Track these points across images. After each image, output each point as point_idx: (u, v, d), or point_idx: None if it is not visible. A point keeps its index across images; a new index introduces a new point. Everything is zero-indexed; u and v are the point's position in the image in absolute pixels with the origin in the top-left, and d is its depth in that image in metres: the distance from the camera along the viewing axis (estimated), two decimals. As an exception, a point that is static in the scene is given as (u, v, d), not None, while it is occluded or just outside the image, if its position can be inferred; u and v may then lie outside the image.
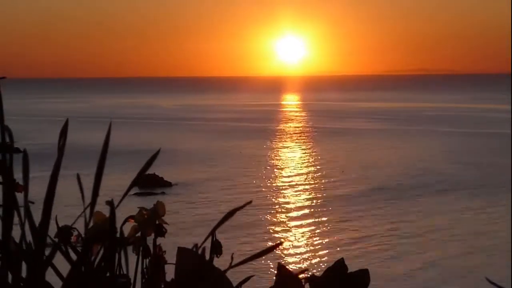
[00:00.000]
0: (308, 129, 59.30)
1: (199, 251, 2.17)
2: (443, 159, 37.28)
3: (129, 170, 29.04)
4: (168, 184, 29.16)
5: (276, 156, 40.49)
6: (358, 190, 28.28)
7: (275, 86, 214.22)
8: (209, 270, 2.25)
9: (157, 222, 2.24)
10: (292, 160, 38.77)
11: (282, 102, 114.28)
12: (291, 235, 21.43)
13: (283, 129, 59.26)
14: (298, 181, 31.04)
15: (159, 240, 2.25)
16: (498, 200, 25.90)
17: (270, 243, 19.99)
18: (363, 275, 2.79)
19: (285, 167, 35.66)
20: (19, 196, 2.02)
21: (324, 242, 20.46)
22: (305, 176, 32.47)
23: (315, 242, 20.52)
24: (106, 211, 2.08)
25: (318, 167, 35.33)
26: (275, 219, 23.40)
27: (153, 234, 2.24)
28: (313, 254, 19.37)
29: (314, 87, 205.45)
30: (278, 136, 52.54)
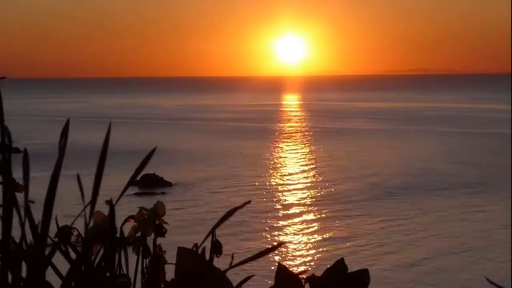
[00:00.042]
0: (308, 129, 59.29)
1: (199, 251, 2.17)
2: (443, 159, 37.27)
3: (129, 170, 28.88)
4: (168, 184, 29.16)
5: (276, 156, 40.49)
6: (358, 189, 28.27)
7: (275, 86, 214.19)
8: (209, 270, 2.25)
9: (157, 222, 2.24)
10: (292, 160, 38.76)
11: (282, 102, 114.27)
12: (290, 235, 21.42)
13: (283, 129, 59.25)
14: (298, 181, 31.04)
15: (159, 240, 2.25)
16: (498, 200, 25.90)
17: (269, 243, 20.00)
18: (363, 275, 2.79)
19: (285, 167, 35.67)
20: (19, 196, 2.03)
21: (324, 242, 20.44)
22: (305, 176, 32.47)
23: (315, 242, 20.51)
24: (106, 211, 2.08)
25: (318, 166, 35.33)
26: (275, 219, 23.39)
27: (153, 234, 2.24)
28: (313, 254, 19.36)
29: (314, 87, 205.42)
30: (278, 136, 52.53)
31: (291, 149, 43.85)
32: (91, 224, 2.09)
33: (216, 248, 2.29)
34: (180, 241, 3.51)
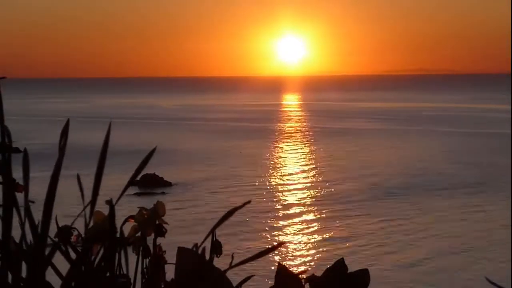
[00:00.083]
0: (308, 129, 59.29)
1: (199, 251, 2.17)
2: (443, 159, 37.27)
3: (129, 170, 28.89)
4: (168, 184, 29.16)
5: (276, 156, 40.49)
6: (358, 189, 28.27)
7: (275, 86, 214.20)
8: (209, 270, 2.25)
9: (157, 222, 2.24)
10: (292, 160, 38.76)
11: (282, 102, 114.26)
12: (290, 235, 21.42)
13: (283, 129, 59.25)
14: (298, 181, 31.04)
15: (159, 240, 2.25)
16: (498, 200, 25.89)
17: (269, 243, 20.00)
18: (363, 275, 2.78)
19: (285, 167, 35.66)
20: (19, 196, 2.03)
21: (324, 242, 20.44)
22: (305, 176, 32.47)
23: (315, 242, 20.51)
24: (106, 211, 2.08)
25: (318, 166, 35.32)
26: (275, 219, 23.39)
27: (153, 234, 2.24)
28: (313, 254, 19.36)
29: (314, 87, 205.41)
30: (278, 136, 52.53)
31: (291, 149, 43.85)
32: (91, 224, 2.09)
33: (216, 248, 2.29)
34: (180, 241, 3.51)
